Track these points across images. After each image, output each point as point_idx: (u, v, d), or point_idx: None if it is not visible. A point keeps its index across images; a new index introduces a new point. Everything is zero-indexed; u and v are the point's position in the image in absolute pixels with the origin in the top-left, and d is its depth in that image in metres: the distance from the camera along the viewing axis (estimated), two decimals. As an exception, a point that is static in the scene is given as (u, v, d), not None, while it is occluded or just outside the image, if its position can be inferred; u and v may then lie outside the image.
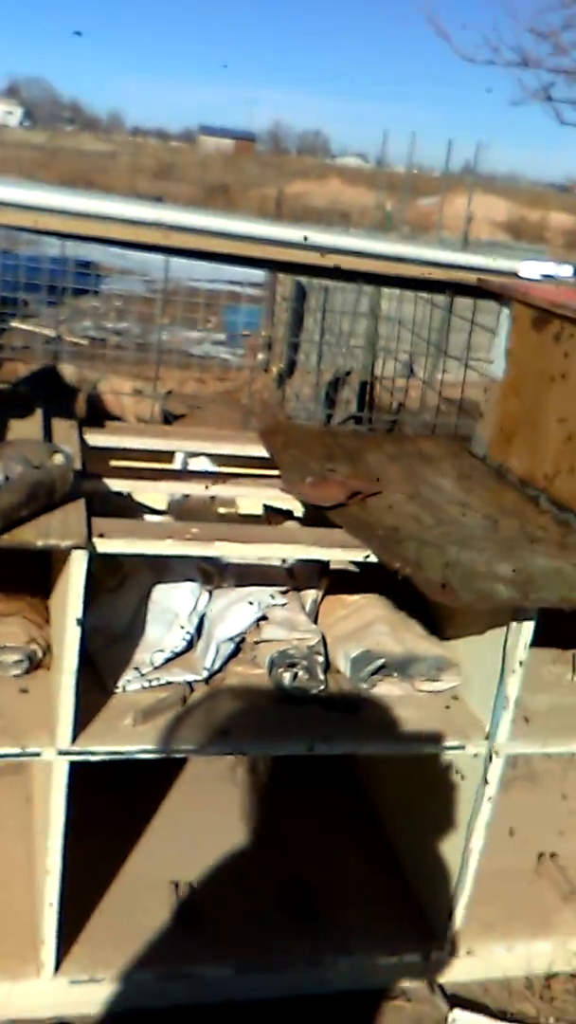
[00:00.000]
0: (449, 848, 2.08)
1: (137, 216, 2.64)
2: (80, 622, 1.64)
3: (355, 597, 2.19)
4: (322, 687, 1.97)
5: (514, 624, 1.81)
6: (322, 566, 2.21)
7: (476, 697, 1.97)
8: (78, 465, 1.90)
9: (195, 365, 8.01)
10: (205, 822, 2.34)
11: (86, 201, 2.60)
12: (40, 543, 1.54)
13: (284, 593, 2.12)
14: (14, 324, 7.35)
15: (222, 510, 2.44)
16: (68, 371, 5.69)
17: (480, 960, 2.16)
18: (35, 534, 1.56)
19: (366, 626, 2.09)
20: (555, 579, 1.74)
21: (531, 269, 2.54)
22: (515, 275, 2.60)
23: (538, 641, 1.90)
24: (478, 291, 2.52)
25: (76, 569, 1.61)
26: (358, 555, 1.81)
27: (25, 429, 2.04)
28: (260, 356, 8.30)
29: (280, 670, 1.97)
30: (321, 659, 2.01)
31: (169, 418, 6.08)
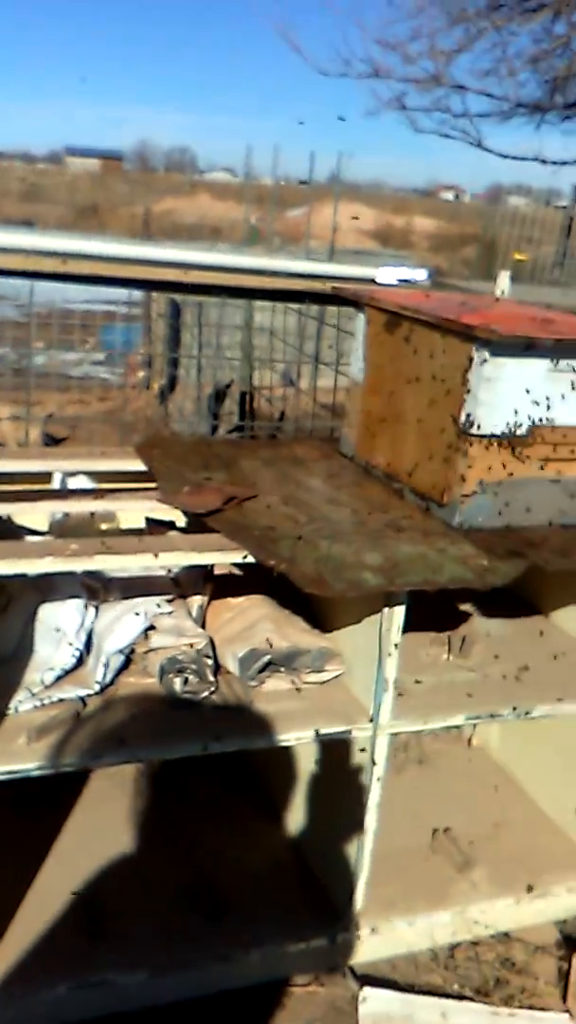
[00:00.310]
0: (346, 831, 2.17)
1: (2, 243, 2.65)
2: (-36, 646, 1.65)
3: (239, 599, 2.27)
4: (213, 689, 2.04)
5: (386, 609, 1.92)
6: (206, 572, 2.27)
7: (359, 683, 2.08)
8: (-49, 492, 1.90)
9: (75, 387, 7.95)
10: (109, 833, 2.37)
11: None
12: None
13: (170, 601, 2.18)
14: None
15: (104, 526, 2.47)
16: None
17: (384, 938, 2.26)
18: None
19: (251, 626, 2.17)
20: (419, 563, 1.87)
21: (387, 275, 2.70)
22: (373, 281, 2.75)
23: (414, 626, 2.02)
24: (336, 299, 2.65)
25: (-44, 594, 1.62)
26: (236, 556, 1.88)
27: None
28: (140, 374, 8.30)
29: (171, 676, 2.02)
30: (210, 662, 2.07)
31: (50, 441, 6.02)
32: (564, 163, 8.62)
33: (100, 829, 2.37)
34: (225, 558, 1.92)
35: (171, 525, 2.39)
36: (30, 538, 2.21)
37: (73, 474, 2.45)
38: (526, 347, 1.92)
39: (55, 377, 7.77)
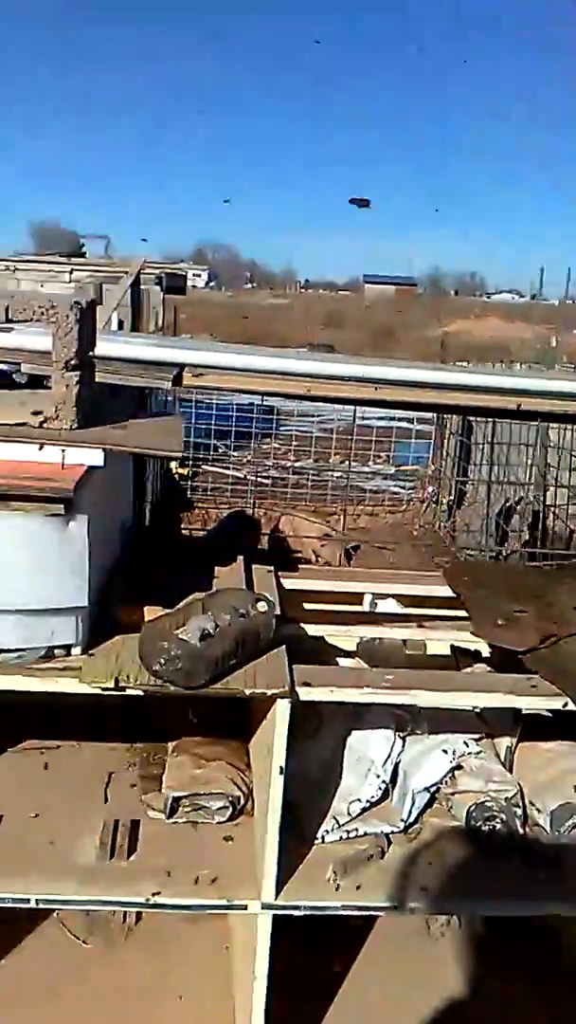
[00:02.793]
0: None
1: (311, 371, 2.77)
2: (283, 771, 1.67)
3: (551, 744, 2.11)
4: (521, 841, 1.89)
5: None
6: (516, 711, 2.15)
7: None
8: (277, 611, 1.98)
9: (368, 499, 8.20)
10: (400, 979, 2.23)
11: (265, 360, 2.77)
12: (248, 692, 1.61)
13: (478, 740, 2.08)
14: (206, 468, 7.89)
15: (410, 652, 2.44)
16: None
17: None
18: (242, 682, 1.63)
19: (563, 776, 2.00)
20: None
21: None
22: None
23: None
24: None
25: (280, 717, 1.65)
26: (556, 703, 1.76)
27: (228, 576, 2.16)
28: (430, 488, 8.37)
29: (478, 823, 1.92)
30: (519, 811, 1.93)
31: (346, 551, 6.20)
32: None
33: (390, 973, 2.24)
34: (545, 704, 1.80)
35: (477, 655, 2.31)
36: (342, 661, 2.24)
37: (383, 596, 2.47)
38: None
39: (352, 489, 8.10)
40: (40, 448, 1.53)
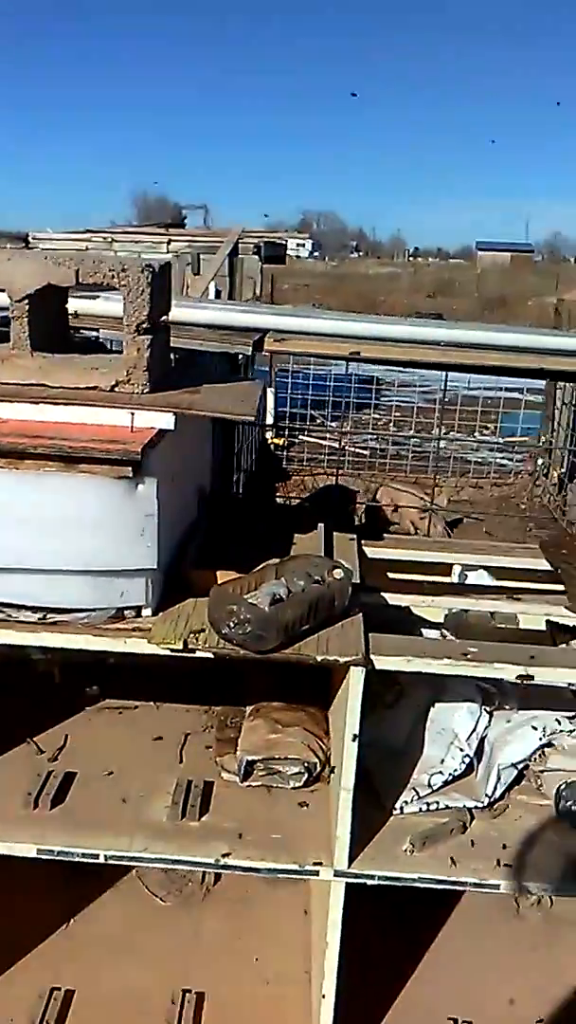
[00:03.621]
0: None
1: (413, 335, 2.72)
2: (356, 737, 1.64)
3: None
4: (617, 826, 1.80)
5: None
6: (615, 690, 2.04)
7: None
8: (357, 579, 1.94)
9: (472, 471, 8.00)
10: (485, 956, 2.18)
11: (365, 326, 2.73)
12: (319, 658, 1.58)
13: (572, 718, 1.98)
14: (302, 438, 7.88)
15: (501, 626, 2.35)
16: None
17: None
18: (314, 649, 1.60)
19: None
20: None
21: None
22: None
23: None
24: None
25: (354, 685, 1.62)
26: None
27: (307, 544, 2.13)
28: (539, 461, 8.08)
29: (568, 803, 1.83)
30: (614, 794, 1.83)
31: (447, 526, 6.07)
32: None
33: (474, 949, 2.20)
34: None
35: (575, 631, 2.20)
36: (427, 632, 2.18)
37: (473, 567, 2.39)
38: None
39: (454, 461, 7.92)
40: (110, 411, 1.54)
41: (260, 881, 2.25)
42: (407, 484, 6.57)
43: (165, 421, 1.56)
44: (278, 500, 5.25)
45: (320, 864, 1.69)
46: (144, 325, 1.61)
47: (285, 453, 7.44)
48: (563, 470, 7.58)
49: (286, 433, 7.47)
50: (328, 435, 7.70)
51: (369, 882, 1.70)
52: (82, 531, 1.49)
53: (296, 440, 7.87)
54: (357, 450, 7.96)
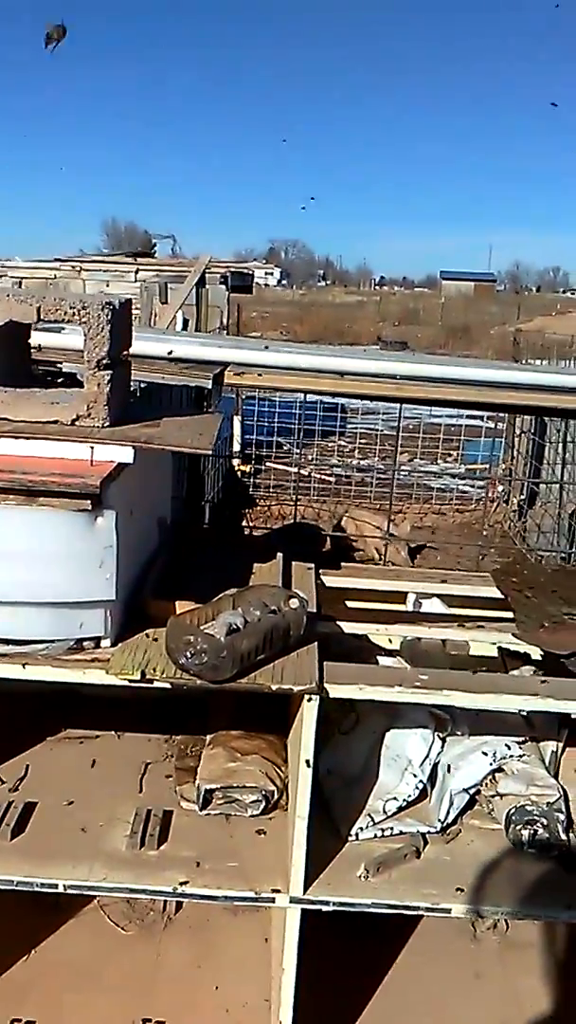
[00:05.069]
0: None
1: (371, 369, 2.78)
2: (311, 764, 1.68)
3: (601, 750, 2.05)
4: (565, 848, 1.84)
5: None
6: (563, 715, 2.09)
7: None
8: (313, 608, 1.98)
9: (435, 498, 8.11)
10: (442, 980, 2.21)
11: (325, 359, 2.79)
12: (274, 687, 1.62)
13: (521, 743, 2.03)
14: (269, 464, 7.95)
15: (454, 652, 2.41)
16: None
17: None
18: (269, 678, 1.64)
19: (613, 784, 1.94)
20: None
21: None
22: None
23: None
24: None
25: (308, 713, 1.66)
26: (602, 708, 1.71)
27: (266, 573, 2.17)
28: (500, 488, 8.22)
29: (518, 827, 1.88)
30: (562, 817, 1.89)
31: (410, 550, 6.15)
32: None
33: (430, 975, 2.22)
34: (587, 708, 1.75)
35: (527, 658, 2.26)
36: (382, 659, 2.22)
37: (427, 596, 2.44)
38: None
39: (417, 487, 8.03)
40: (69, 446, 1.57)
41: (221, 909, 2.26)
42: (371, 511, 6.65)
43: (124, 455, 1.60)
44: (244, 527, 5.30)
45: (277, 891, 1.72)
46: (104, 361, 1.66)
47: (252, 480, 7.49)
48: (523, 497, 7.72)
49: (253, 460, 7.53)
50: (294, 462, 7.78)
51: (324, 908, 1.73)
52: (42, 563, 1.52)
53: (263, 467, 7.94)
54: (323, 477, 8.04)
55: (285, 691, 1.63)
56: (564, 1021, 2.12)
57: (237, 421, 7.81)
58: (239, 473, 7.37)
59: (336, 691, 1.67)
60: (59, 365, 2.39)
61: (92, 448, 1.57)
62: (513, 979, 2.24)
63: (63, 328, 2.46)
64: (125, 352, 1.79)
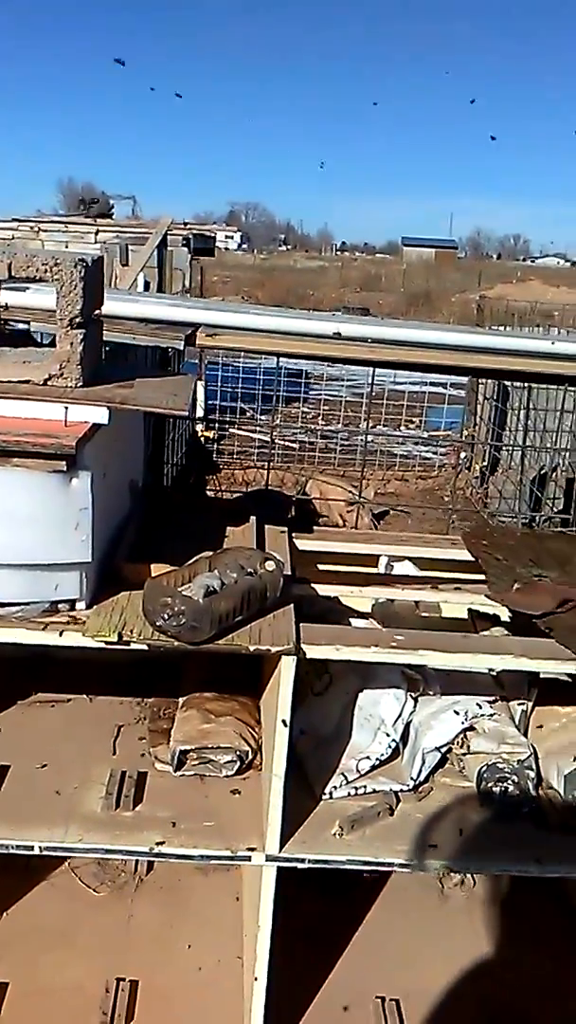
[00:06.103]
0: None
1: (320, 331, 2.74)
2: (287, 723, 1.68)
3: (568, 709, 2.09)
4: (534, 804, 1.88)
5: None
6: (532, 675, 2.13)
7: None
8: (288, 571, 1.98)
9: (399, 464, 8.16)
10: (412, 936, 2.26)
11: (299, 322, 2.77)
12: (252, 648, 1.62)
13: (492, 703, 2.07)
14: (232, 431, 7.90)
15: (425, 614, 2.43)
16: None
17: None
18: (247, 639, 1.64)
19: (580, 740, 1.99)
20: None
21: None
22: None
23: None
24: None
25: (285, 673, 1.66)
26: (570, 666, 1.74)
27: (240, 537, 2.17)
28: (463, 454, 8.29)
29: (489, 784, 1.91)
30: (532, 774, 1.92)
31: (374, 518, 6.18)
32: None
33: (401, 928, 2.27)
34: (558, 667, 1.78)
35: (496, 619, 2.29)
36: (355, 622, 2.24)
37: (399, 559, 2.46)
38: None
39: (380, 455, 8.06)
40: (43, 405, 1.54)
41: (192, 869, 2.28)
42: (335, 477, 6.66)
43: (99, 415, 1.57)
44: (209, 493, 5.27)
45: (253, 849, 1.73)
46: (77, 320, 1.62)
47: (216, 446, 7.44)
48: (485, 463, 7.79)
49: (216, 426, 7.48)
50: (258, 428, 7.75)
51: (300, 865, 1.75)
52: (15, 525, 1.49)
53: (226, 433, 7.89)
54: (287, 443, 8.02)
55: (263, 652, 1.63)
56: (527, 973, 2.19)
57: (200, 386, 7.74)
58: (203, 439, 7.31)
59: (313, 652, 1.68)
60: (25, 325, 2.33)
61: (67, 408, 1.53)
62: (479, 933, 2.30)
63: (28, 287, 2.39)
64: (97, 311, 1.74)
